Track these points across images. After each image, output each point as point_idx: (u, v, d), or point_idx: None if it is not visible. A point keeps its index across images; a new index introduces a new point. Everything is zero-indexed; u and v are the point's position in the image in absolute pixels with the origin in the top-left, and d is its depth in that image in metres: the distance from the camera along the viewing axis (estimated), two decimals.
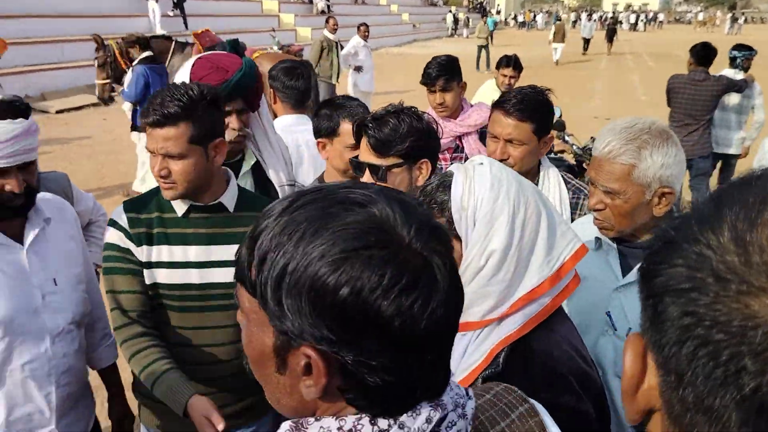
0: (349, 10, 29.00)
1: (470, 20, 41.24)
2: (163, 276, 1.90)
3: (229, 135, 2.25)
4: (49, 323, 1.93)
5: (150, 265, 1.90)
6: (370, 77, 10.58)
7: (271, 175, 2.46)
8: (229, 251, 1.91)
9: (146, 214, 1.92)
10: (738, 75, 6.07)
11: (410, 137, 1.86)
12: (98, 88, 7.46)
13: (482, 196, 1.30)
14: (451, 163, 2.99)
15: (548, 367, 1.28)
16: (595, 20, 27.97)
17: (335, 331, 0.67)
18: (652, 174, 1.64)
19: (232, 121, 2.24)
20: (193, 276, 1.90)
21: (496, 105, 2.24)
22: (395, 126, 1.86)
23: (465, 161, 3.02)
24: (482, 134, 3.31)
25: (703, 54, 5.79)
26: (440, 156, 3.06)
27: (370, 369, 0.69)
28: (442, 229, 0.75)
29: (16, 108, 1.86)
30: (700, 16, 62.42)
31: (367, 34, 10.63)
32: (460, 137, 3.29)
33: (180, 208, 1.91)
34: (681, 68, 6.53)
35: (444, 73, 3.22)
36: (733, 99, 6.08)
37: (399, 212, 0.70)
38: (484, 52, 19.43)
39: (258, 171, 2.45)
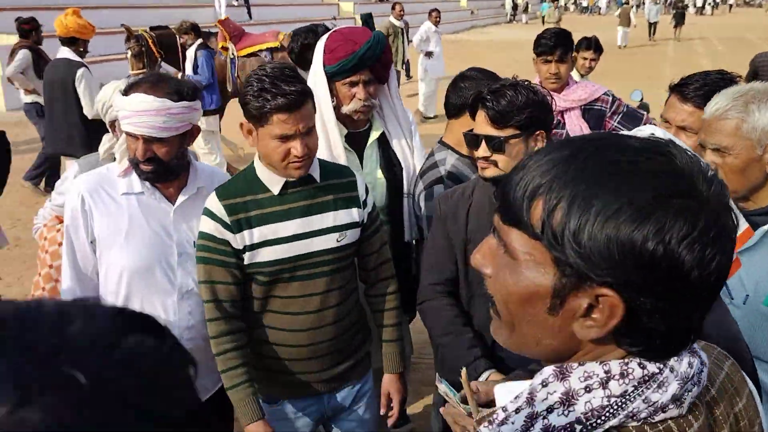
0: None
1: (529, 5, 40.44)
2: (268, 254, 1.98)
3: (355, 105, 2.38)
4: (180, 280, 2.11)
5: (253, 246, 1.97)
6: (441, 62, 10.56)
7: (395, 146, 2.55)
8: (325, 219, 2.02)
9: (241, 198, 1.99)
10: None
11: (527, 108, 1.88)
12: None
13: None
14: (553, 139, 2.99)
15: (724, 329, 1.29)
16: (660, 4, 26.87)
17: (637, 276, 0.68)
18: (761, 128, 1.64)
19: (359, 91, 2.35)
20: (298, 248, 2.00)
21: (675, 88, 2.14)
22: (513, 98, 1.87)
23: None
24: (584, 111, 3.30)
25: None
26: None
27: (662, 314, 0.70)
28: (722, 181, 0.75)
29: (175, 87, 1.98)
30: None
31: (438, 19, 10.62)
32: (562, 113, 3.28)
33: (277, 186, 1.99)
34: (753, 53, 6.28)
35: (562, 43, 3.24)
36: None
37: (692, 162, 0.71)
38: None
39: (384, 142, 2.53)
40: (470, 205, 2.08)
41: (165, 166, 2.01)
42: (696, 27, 33.32)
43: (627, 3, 26.44)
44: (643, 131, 1.40)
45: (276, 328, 2.07)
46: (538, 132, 1.93)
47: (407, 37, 11.72)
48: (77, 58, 5.59)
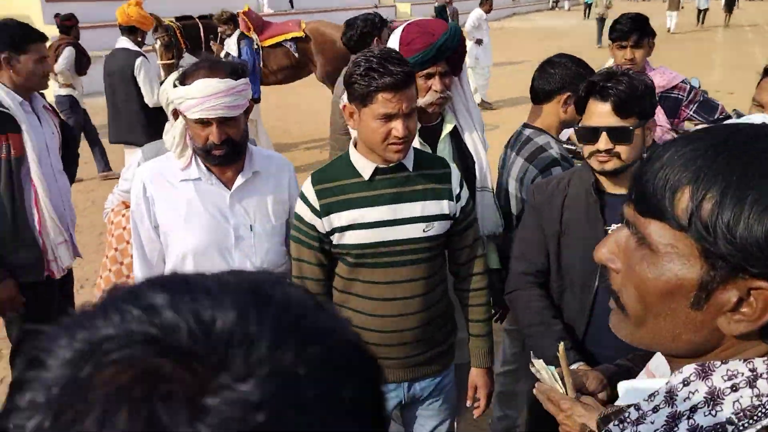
0: None
1: None
2: (355, 237, 2.01)
3: (432, 97, 2.34)
4: (237, 263, 2.14)
5: (342, 229, 2.01)
6: (489, 51, 10.47)
7: (467, 139, 2.51)
8: (412, 208, 2.02)
9: (333, 183, 2.02)
10: None
11: (646, 96, 1.83)
12: (163, 70, 7.40)
13: None
14: None
15: None
16: None
17: None
18: None
19: (435, 83, 2.32)
20: (383, 234, 2.00)
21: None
22: (631, 86, 1.82)
23: None
24: (661, 98, 3.21)
25: None
26: None
27: None
28: None
29: (230, 67, 2.02)
30: None
31: (490, 8, 10.44)
32: None
33: (367, 171, 2.01)
34: None
35: (637, 28, 3.18)
36: None
37: None
38: (600, 25, 18.49)
39: (456, 136, 2.50)
40: (565, 196, 2.04)
41: (236, 146, 2.05)
42: (745, 13, 32.28)
43: None
44: (753, 119, 1.35)
45: (361, 312, 2.08)
46: (651, 120, 1.89)
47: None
48: (135, 48, 5.66)
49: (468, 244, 2.18)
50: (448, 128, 2.46)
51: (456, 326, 2.29)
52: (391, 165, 2.01)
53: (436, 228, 2.06)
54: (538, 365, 1.57)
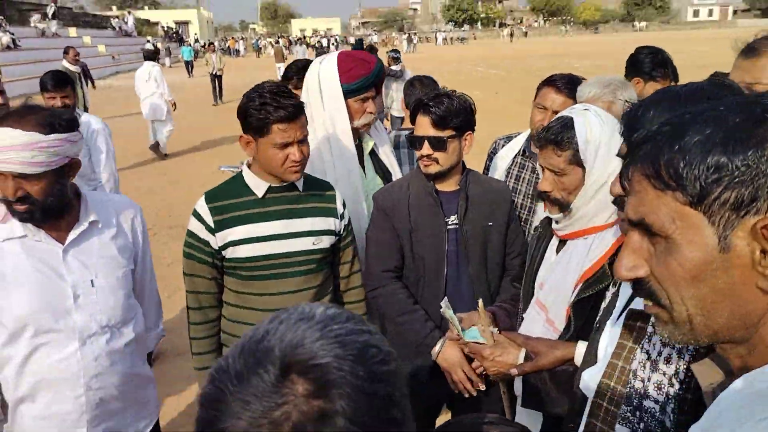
0: (40, 43, 26.37)
1: (170, 49, 40.32)
2: (248, 250, 2.14)
3: (367, 118, 2.59)
4: (80, 324, 1.99)
5: (236, 243, 2.13)
6: None
7: (382, 155, 2.77)
8: (303, 224, 2.21)
9: (227, 201, 2.16)
10: None
11: (462, 113, 2.25)
12: None
13: (598, 132, 1.78)
14: None
15: None
16: (305, 45, 29.85)
17: None
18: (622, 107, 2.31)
19: (370, 106, 2.58)
20: (276, 247, 2.17)
21: (546, 83, 2.72)
22: (450, 104, 2.23)
23: None
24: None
25: None
26: None
27: None
28: None
29: (46, 120, 1.85)
30: (375, 38, 69.95)
31: (77, 58, 10.30)
32: None
33: (260, 190, 2.18)
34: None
35: (296, 73, 3.61)
36: None
37: None
38: (217, 82, 19.14)
39: (373, 153, 2.74)
40: (409, 197, 2.37)
41: (41, 206, 1.88)
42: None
43: (278, 43, 28.52)
44: (575, 108, 1.90)
45: (253, 324, 2.09)
46: (468, 133, 2.32)
47: (85, 81, 10.96)
48: None
49: (348, 260, 2.40)
50: (369, 146, 2.69)
51: None
52: (283, 184, 2.17)
53: (324, 242, 2.24)
54: (449, 314, 2.00)
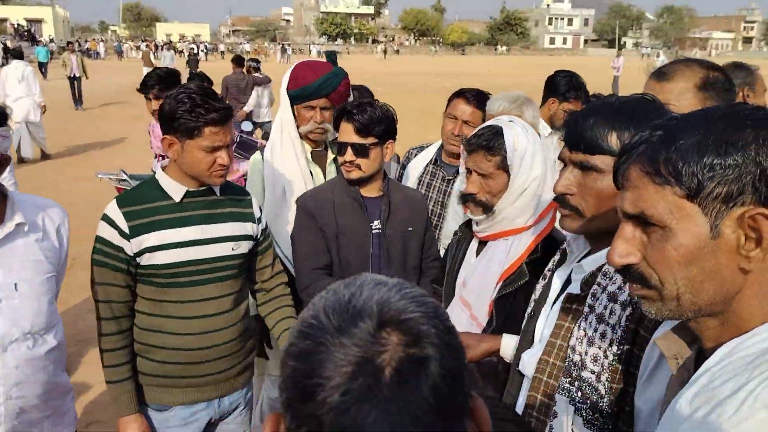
0: None
1: (22, 47, 37.33)
2: (165, 257, 2.10)
3: (310, 126, 2.68)
4: (1, 330, 1.93)
5: (152, 249, 2.08)
6: None
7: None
8: (221, 229, 2.21)
9: (141, 206, 2.11)
10: None
11: (384, 121, 2.40)
12: None
13: (524, 141, 2.00)
14: None
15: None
16: (173, 50, 28.63)
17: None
18: (529, 120, 2.59)
19: (315, 115, 2.67)
20: (194, 253, 2.14)
21: (457, 94, 2.94)
22: (372, 113, 2.37)
23: None
24: None
25: None
26: None
27: None
28: None
29: None
30: (248, 47, 68.85)
31: None
32: None
33: (178, 194, 2.14)
34: None
35: (160, 83, 3.70)
36: None
37: None
38: (76, 85, 17.95)
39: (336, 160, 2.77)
40: (334, 202, 2.48)
41: None
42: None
43: (147, 47, 27.29)
44: (501, 119, 2.13)
45: (170, 333, 2.14)
46: (389, 141, 2.47)
47: None
48: None
49: (269, 263, 2.43)
50: (332, 155, 2.77)
51: (255, 343, 2.47)
52: (200, 189, 2.16)
53: (243, 247, 2.26)
54: None
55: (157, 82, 3.67)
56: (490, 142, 1.97)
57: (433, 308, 0.67)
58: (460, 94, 2.96)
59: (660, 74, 1.90)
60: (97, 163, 10.22)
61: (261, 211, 2.39)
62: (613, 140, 1.37)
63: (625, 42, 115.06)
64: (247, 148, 4.40)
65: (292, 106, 2.76)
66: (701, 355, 0.99)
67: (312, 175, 2.81)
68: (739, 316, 0.91)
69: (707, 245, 0.88)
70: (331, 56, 2.82)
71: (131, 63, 42.19)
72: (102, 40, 62.47)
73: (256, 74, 10.69)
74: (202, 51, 56.20)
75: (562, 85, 3.58)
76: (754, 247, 0.86)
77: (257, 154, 2.90)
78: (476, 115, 2.85)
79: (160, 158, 3.90)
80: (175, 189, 2.13)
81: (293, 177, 2.74)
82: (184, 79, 4.22)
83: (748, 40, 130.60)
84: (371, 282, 0.69)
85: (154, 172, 2.23)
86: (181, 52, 55.53)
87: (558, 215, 2.15)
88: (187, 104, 1.99)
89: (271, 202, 2.79)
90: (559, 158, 1.50)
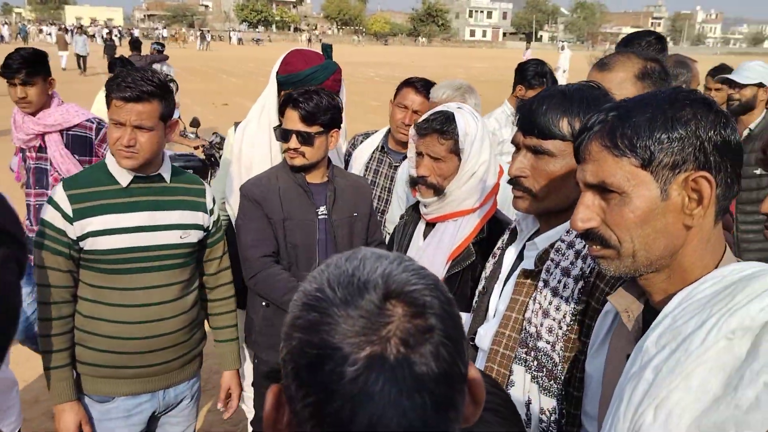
0: None
1: None
2: (110, 242, 2.06)
3: None
4: None
5: (96, 233, 2.04)
6: None
7: (334, 157, 2.83)
8: (170, 216, 2.18)
9: (87, 189, 2.06)
10: None
11: (330, 110, 2.40)
12: None
13: (474, 127, 2.07)
14: (35, 164, 3.33)
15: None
16: (85, 35, 27.02)
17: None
18: (472, 106, 2.67)
19: None
20: (141, 239, 2.11)
21: (406, 83, 2.98)
22: (319, 101, 2.37)
23: (49, 162, 3.33)
24: (67, 136, 3.31)
25: None
26: (28, 155, 3.33)
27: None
28: None
29: None
30: (164, 33, 66.57)
31: None
32: (42, 136, 3.32)
33: (125, 179, 2.10)
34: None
35: (28, 66, 3.18)
36: None
37: None
38: None
39: None
40: (279, 188, 2.47)
41: None
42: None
43: (61, 30, 25.96)
44: (450, 106, 2.19)
45: (117, 321, 2.10)
46: (334, 130, 2.47)
47: None
48: None
49: (218, 256, 2.40)
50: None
51: (205, 333, 2.43)
52: (149, 175, 2.12)
53: (192, 236, 2.23)
54: None
55: (23, 65, 3.16)
56: (443, 126, 2.02)
57: (434, 280, 0.70)
58: (409, 83, 3.01)
59: (601, 65, 2.00)
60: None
61: (215, 202, 2.36)
62: (565, 126, 1.46)
63: (541, 35, 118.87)
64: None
65: (279, 92, 2.73)
66: (648, 310, 1.14)
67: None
68: (683, 268, 1.06)
69: (658, 207, 1.02)
70: (327, 49, 2.78)
71: (39, 47, 39.92)
72: (6, 23, 58.75)
73: (157, 63, 10.39)
74: (116, 36, 53.92)
75: (530, 72, 3.78)
76: (696, 206, 1.01)
77: (231, 129, 2.88)
78: (425, 105, 2.90)
79: (20, 152, 3.55)
80: (122, 173, 2.09)
81: (261, 160, 2.70)
82: (100, 65, 3.91)
83: None
84: (372, 256, 0.71)
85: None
86: (93, 36, 53.03)
87: (502, 198, 2.26)
88: (125, 76, 1.98)
89: (235, 179, 2.76)
90: (513, 142, 1.57)
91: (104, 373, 2.15)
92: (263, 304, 2.49)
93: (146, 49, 11.39)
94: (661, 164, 1.01)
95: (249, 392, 2.80)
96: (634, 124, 1.02)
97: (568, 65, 22.48)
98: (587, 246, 1.14)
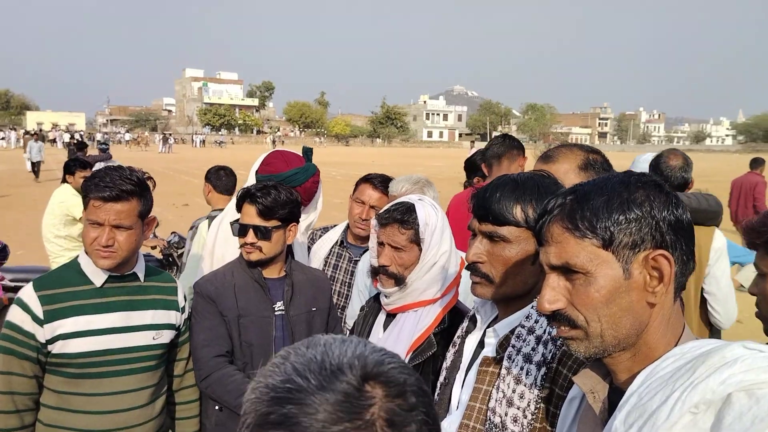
0: None
1: None
2: (81, 345, 1.98)
3: None
4: None
5: (67, 336, 1.96)
6: None
7: (295, 246, 2.82)
8: (143, 316, 2.11)
9: (59, 289, 2.00)
10: None
11: (288, 204, 2.40)
12: None
13: (434, 217, 2.08)
14: None
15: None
16: (41, 141, 26.60)
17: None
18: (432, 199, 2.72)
19: None
20: (113, 341, 2.03)
21: (364, 180, 3.07)
22: (277, 195, 2.37)
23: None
24: None
25: None
26: None
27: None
28: None
29: None
30: (127, 137, 67.21)
31: None
32: None
33: (99, 278, 2.04)
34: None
35: None
36: None
37: None
38: None
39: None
40: (234, 285, 2.41)
41: None
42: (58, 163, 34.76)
43: (27, 134, 25.95)
44: (412, 197, 2.21)
45: (77, 430, 1.98)
46: (292, 224, 2.45)
47: None
48: None
49: (185, 356, 2.32)
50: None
51: None
52: (124, 274, 2.06)
53: (165, 336, 2.16)
54: None
55: None
56: (404, 216, 2.03)
57: (399, 358, 0.69)
58: (367, 179, 3.07)
59: (546, 157, 2.09)
60: None
61: (186, 299, 2.31)
62: (518, 212, 1.50)
63: (495, 136, 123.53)
64: None
65: None
66: (613, 390, 1.13)
67: None
68: (648, 345, 1.07)
69: (622, 285, 1.04)
70: (308, 152, 2.82)
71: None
72: None
73: (100, 160, 10.49)
74: (76, 140, 54.02)
75: (478, 162, 4.01)
76: (657, 284, 1.04)
77: (204, 223, 2.86)
78: (383, 200, 2.94)
79: None
80: (96, 273, 2.04)
81: (233, 256, 2.61)
82: (58, 168, 3.92)
83: (603, 135, 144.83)
84: (335, 340, 0.69)
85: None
86: (53, 141, 53.18)
87: (464, 289, 2.24)
88: (103, 175, 1.96)
89: (205, 267, 2.72)
90: (469, 228, 1.58)
91: None
92: (216, 408, 2.37)
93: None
94: (621, 244, 1.03)
95: None
96: (592, 206, 1.05)
97: None
98: (555, 328, 1.14)
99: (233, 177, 4.46)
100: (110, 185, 1.94)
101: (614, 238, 1.03)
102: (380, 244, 2.09)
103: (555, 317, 1.10)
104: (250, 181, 2.77)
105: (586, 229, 1.05)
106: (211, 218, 4.23)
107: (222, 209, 4.36)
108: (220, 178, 4.40)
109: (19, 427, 1.96)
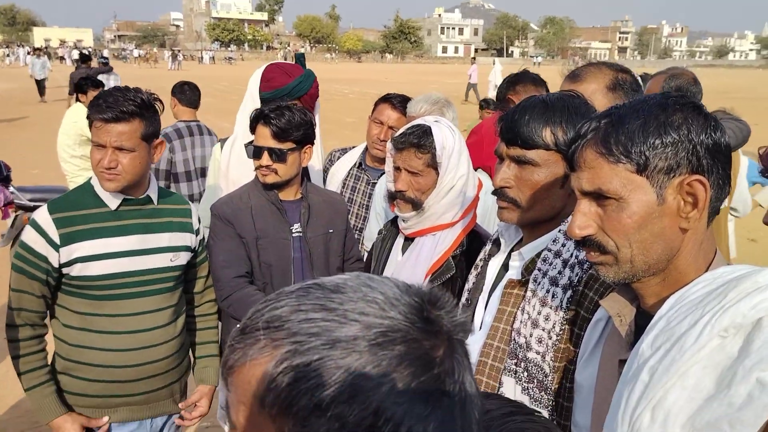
0: None
1: None
2: (101, 267, 1.99)
3: None
4: None
5: (85, 259, 1.97)
6: None
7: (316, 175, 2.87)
8: (160, 239, 2.11)
9: (75, 212, 1.99)
10: None
11: (303, 126, 2.34)
12: None
13: (452, 140, 2.03)
14: None
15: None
16: (46, 56, 25.85)
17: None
18: (450, 120, 2.64)
19: None
20: (131, 264, 2.04)
21: (383, 99, 2.97)
22: (291, 117, 2.31)
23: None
24: None
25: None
26: None
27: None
28: None
29: None
30: (135, 53, 66.14)
31: None
32: None
33: (113, 202, 2.03)
34: None
35: None
36: None
37: None
38: None
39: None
40: (251, 207, 2.40)
41: None
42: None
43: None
44: (428, 119, 2.15)
45: (105, 349, 2.02)
46: (307, 146, 2.40)
47: None
48: None
49: (204, 274, 2.34)
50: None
51: (190, 363, 2.37)
52: (138, 197, 2.05)
53: (182, 258, 2.16)
54: None
55: None
56: (420, 140, 1.97)
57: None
58: (387, 99, 2.98)
59: (573, 76, 2.01)
60: None
61: (200, 221, 2.30)
62: (548, 135, 1.44)
63: (512, 51, 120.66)
64: None
65: None
66: (640, 314, 1.13)
67: None
68: (678, 271, 1.06)
69: (655, 211, 1.02)
70: (300, 59, 2.75)
71: (9, 70, 39.59)
72: None
73: (102, 75, 10.23)
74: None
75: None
76: (692, 210, 1.02)
77: (217, 146, 2.84)
78: (401, 121, 2.86)
79: None
80: (111, 196, 2.02)
81: (250, 176, 2.57)
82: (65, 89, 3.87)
83: (623, 50, 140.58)
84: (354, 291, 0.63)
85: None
86: (62, 58, 52.37)
87: (481, 211, 2.21)
88: (106, 96, 1.92)
89: (220, 194, 2.68)
90: (496, 153, 1.53)
91: (91, 403, 2.07)
92: (237, 326, 2.40)
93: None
94: (656, 169, 1.01)
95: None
96: (627, 130, 1.02)
97: (500, 80, 22.09)
98: (585, 253, 1.12)
99: (197, 91, 4.76)
100: (112, 106, 1.90)
101: (649, 162, 1.01)
102: (397, 168, 2.04)
103: (585, 242, 1.09)
104: (252, 99, 2.70)
105: (620, 154, 1.02)
106: (189, 128, 4.45)
107: (186, 120, 4.52)
108: (184, 93, 4.69)
109: (31, 336, 2.02)
